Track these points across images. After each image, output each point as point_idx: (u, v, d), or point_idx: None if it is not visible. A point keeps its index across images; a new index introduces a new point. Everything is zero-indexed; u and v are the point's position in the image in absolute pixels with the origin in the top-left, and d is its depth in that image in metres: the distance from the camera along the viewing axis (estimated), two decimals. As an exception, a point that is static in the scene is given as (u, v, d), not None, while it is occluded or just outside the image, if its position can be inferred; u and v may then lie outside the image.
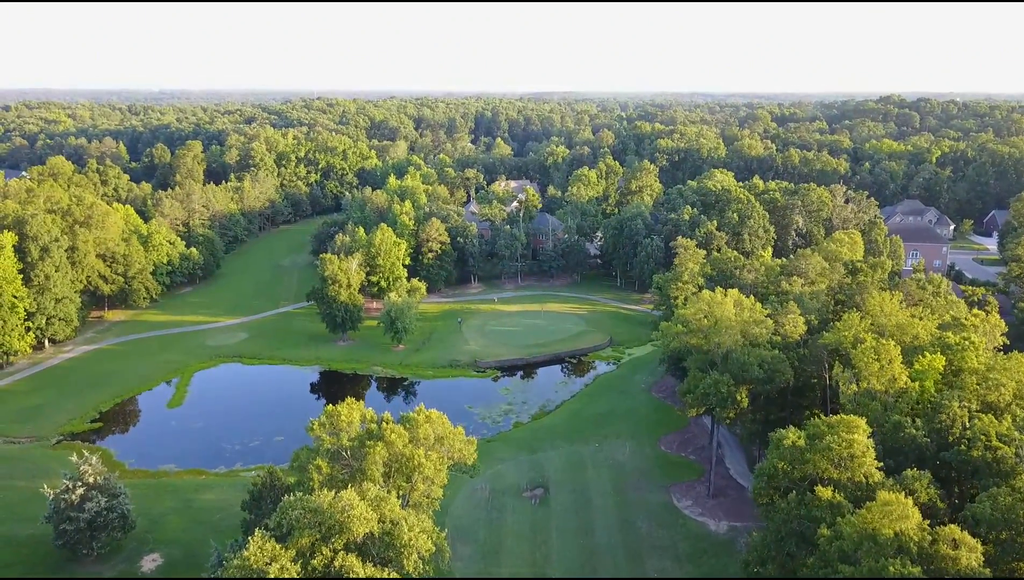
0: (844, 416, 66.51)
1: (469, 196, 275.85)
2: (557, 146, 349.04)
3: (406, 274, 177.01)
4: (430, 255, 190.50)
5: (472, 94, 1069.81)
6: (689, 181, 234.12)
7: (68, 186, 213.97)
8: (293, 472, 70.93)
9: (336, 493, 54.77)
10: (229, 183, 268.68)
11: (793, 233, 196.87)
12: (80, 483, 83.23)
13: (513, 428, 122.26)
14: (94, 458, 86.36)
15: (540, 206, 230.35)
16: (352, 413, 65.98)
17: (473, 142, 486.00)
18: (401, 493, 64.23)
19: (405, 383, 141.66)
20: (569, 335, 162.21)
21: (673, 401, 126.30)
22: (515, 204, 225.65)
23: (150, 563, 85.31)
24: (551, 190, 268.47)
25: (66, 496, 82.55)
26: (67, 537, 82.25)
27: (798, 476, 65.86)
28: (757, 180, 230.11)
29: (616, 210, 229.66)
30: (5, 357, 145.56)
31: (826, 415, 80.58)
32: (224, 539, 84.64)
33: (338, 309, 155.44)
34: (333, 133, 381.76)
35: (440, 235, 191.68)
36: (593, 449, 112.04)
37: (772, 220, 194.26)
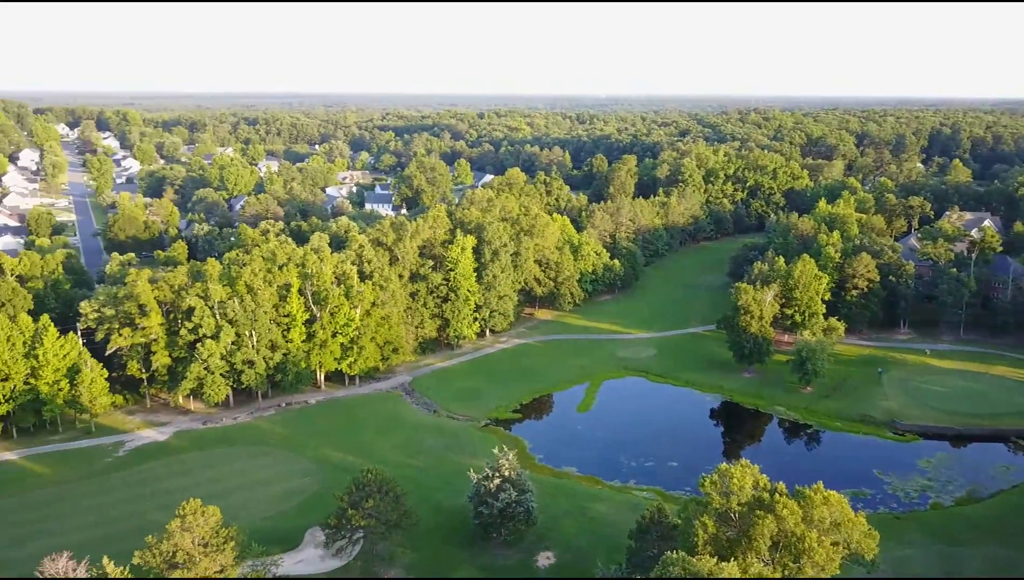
0: None
1: (910, 227, 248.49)
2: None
3: (824, 310, 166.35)
4: (854, 292, 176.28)
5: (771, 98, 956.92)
6: None
7: (519, 196, 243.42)
8: (680, 516, 71.78)
9: (718, 561, 54.11)
10: (656, 197, 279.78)
11: None
12: (498, 474, 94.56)
13: (930, 509, 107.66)
14: (511, 454, 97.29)
15: (1000, 248, 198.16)
16: (745, 477, 64.41)
17: (924, 163, 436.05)
18: (787, 572, 61.03)
19: (808, 431, 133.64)
20: (1020, 410, 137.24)
21: None
22: (967, 242, 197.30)
23: (544, 560, 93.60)
24: (1017, 227, 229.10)
25: (486, 483, 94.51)
26: (482, 519, 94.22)
27: None
28: None
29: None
30: (456, 341, 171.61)
31: None
32: (610, 556, 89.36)
33: (747, 340, 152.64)
34: (765, 150, 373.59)
35: (869, 272, 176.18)
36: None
37: None
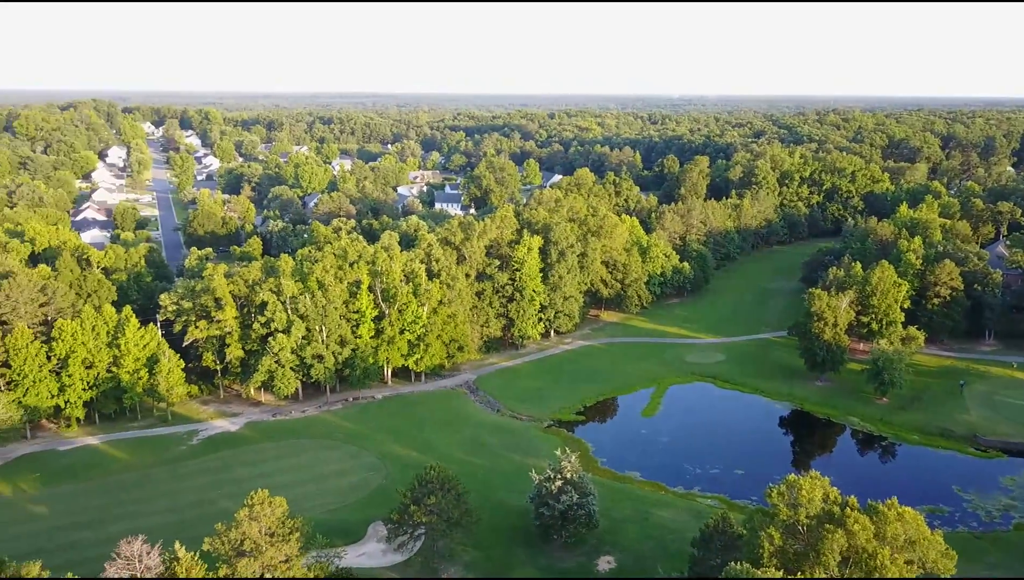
0: None
1: (998, 234, 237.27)
2: None
3: (903, 319, 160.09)
4: (936, 301, 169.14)
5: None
6: None
7: (588, 196, 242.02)
8: (745, 527, 70.02)
9: (784, 575, 52.47)
10: (729, 199, 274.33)
11: None
12: (559, 476, 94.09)
13: (1013, 529, 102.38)
14: (573, 457, 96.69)
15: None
16: (814, 489, 62.33)
17: (1015, 166, 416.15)
18: (856, 590, 58.80)
19: (883, 443, 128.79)
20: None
21: None
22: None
23: (604, 564, 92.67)
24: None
25: (547, 484, 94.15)
26: (543, 520, 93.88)
27: None
28: None
29: None
30: (521, 341, 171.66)
31: None
32: (671, 564, 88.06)
33: (820, 347, 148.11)
34: (843, 152, 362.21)
35: (952, 280, 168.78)
36: None
37: None
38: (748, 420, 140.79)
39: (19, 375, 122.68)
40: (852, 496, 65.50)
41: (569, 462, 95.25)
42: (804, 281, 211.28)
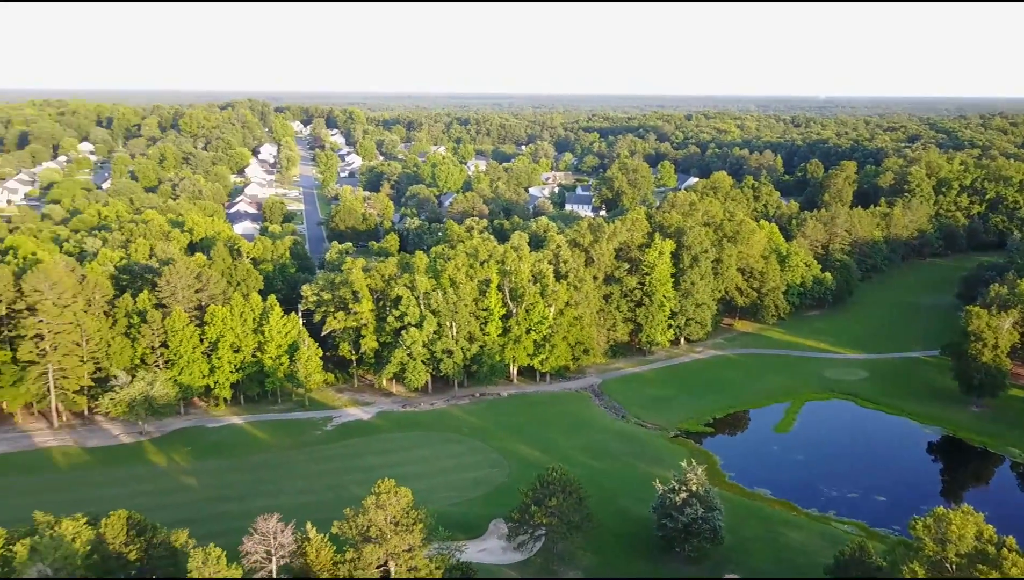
0: None
1: None
2: None
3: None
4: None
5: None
6: None
7: (724, 200, 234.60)
8: (885, 558, 65.35)
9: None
10: (877, 208, 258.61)
11: None
12: (685, 488, 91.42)
13: None
14: (700, 469, 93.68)
15: None
16: (966, 524, 57.26)
17: None
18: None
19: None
20: None
21: None
22: None
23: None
24: None
25: (671, 495, 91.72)
26: (666, 531, 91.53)
27: None
28: None
29: None
30: (649, 347, 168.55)
31: None
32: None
33: (977, 370, 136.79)
34: (1011, 159, 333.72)
35: None
36: None
37: None
38: (892, 443, 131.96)
39: (175, 355, 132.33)
40: (1010, 536, 59.72)
41: (695, 474, 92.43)
42: (960, 297, 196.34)
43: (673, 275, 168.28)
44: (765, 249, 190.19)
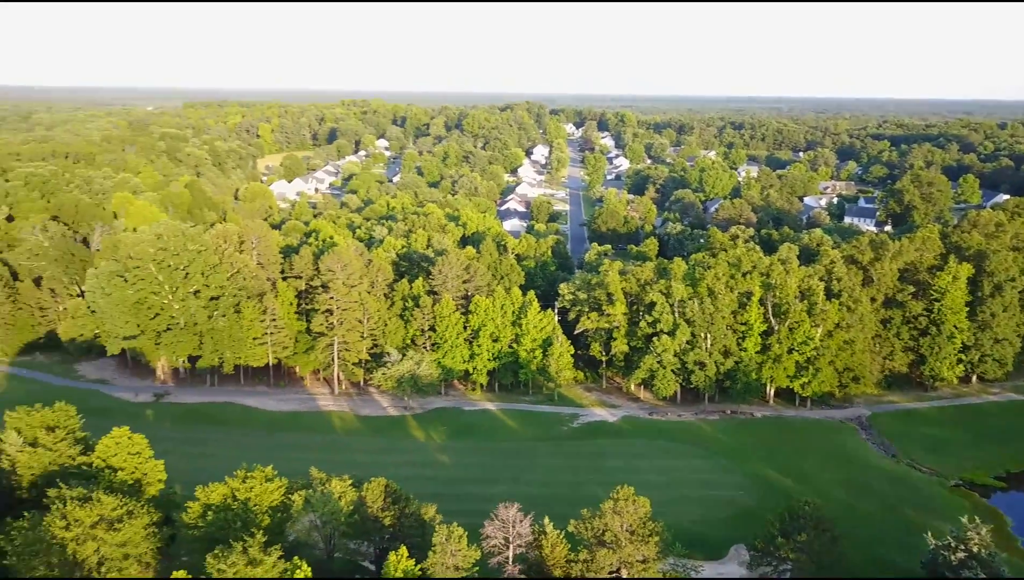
0: None
1: None
2: None
3: None
4: None
5: None
6: None
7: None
8: None
9: None
10: None
11: None
12: (963, 547, 79.81)
13: None
14: (984, 528, 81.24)
15: None
16: None
17: None
18: None
19: None
20: None
21: None
22: None
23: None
24: None
25: (945, 553, 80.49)
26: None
27: None
28: None
29: None
30: (932, 381, 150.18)
31: None
32: None
33: None
34: None
35: None
36: None
37: None
38: None
39: (441, 339, 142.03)
40: None
41: (978, 533, 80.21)
42: None
43: (968, 304, 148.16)
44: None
